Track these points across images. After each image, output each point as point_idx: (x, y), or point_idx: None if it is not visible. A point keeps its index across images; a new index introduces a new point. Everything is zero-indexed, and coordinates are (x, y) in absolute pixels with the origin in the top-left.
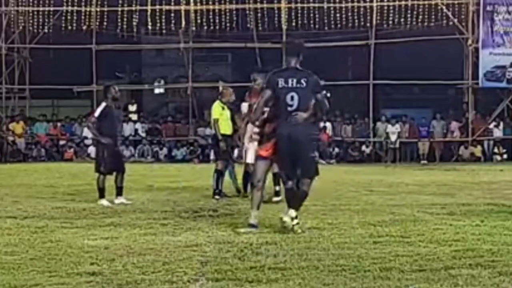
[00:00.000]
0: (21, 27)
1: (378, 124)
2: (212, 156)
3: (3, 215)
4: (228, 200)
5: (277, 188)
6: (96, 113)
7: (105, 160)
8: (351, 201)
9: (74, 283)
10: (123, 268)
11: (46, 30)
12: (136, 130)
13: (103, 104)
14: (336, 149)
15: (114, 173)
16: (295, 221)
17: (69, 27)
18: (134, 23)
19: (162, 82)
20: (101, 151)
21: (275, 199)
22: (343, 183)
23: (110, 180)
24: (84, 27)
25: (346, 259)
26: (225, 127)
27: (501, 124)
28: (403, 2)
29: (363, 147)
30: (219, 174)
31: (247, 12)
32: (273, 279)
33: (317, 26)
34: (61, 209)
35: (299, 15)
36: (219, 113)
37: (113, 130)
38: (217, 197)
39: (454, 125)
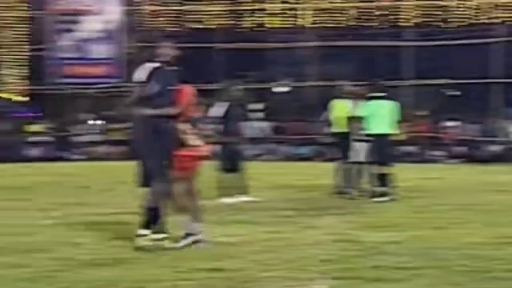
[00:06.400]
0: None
1: (502, 123)
2: (335, 155)
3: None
4: (352, 198)
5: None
6: (217, 113)
7: (227, 158)
8: (478, 200)
9: (197, 278)
10: (246, 265)
11: (174, 29)
12: (261, 128)
13: (224, 104)
14: (462, 148)
15: (236, 172)
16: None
17: (195, 26)
18: (261, 21)
19: (287, 80)
20: (223, 150)
21: (379, 199)
22: (471, 183)
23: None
24: (215, 26)
25: (472, 259)
26: (345, 125)
27: None
28: None
29: (491, 146)
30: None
31: (371, 10)
32: (397, 279)
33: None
34: None
35: (424, 12)
36: (348, 111)
37: (235, 129)
38: (340, 195)
39: None
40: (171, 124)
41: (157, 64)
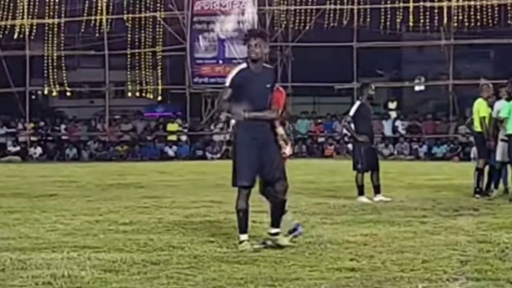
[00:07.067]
0: (283, 26)
1: None
2: (472, 154)
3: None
4: (493, 198)
5: None
6: (351, 112)
7: (362, 158)
8: None
9: (333, 278)
10: (382, 265)
11: (308, 28)
12: (395, 127)
13: (358, 103)
14: None
15: (370, 171)
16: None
17: (331, 25)
18: (397, 20)
19: (423, 79)
20: (358, 149)
21: None
22: None
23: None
24: (345, 23)
25: None
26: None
27: None
28: None
29: None
30: (480, 172)
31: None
32: None
33: None
34: (321, 205)
35: None
36: (486, 110)
37: (368, 128)
38: (477, 195)
39: None
40: (263, 127)
41: (244, 65)
